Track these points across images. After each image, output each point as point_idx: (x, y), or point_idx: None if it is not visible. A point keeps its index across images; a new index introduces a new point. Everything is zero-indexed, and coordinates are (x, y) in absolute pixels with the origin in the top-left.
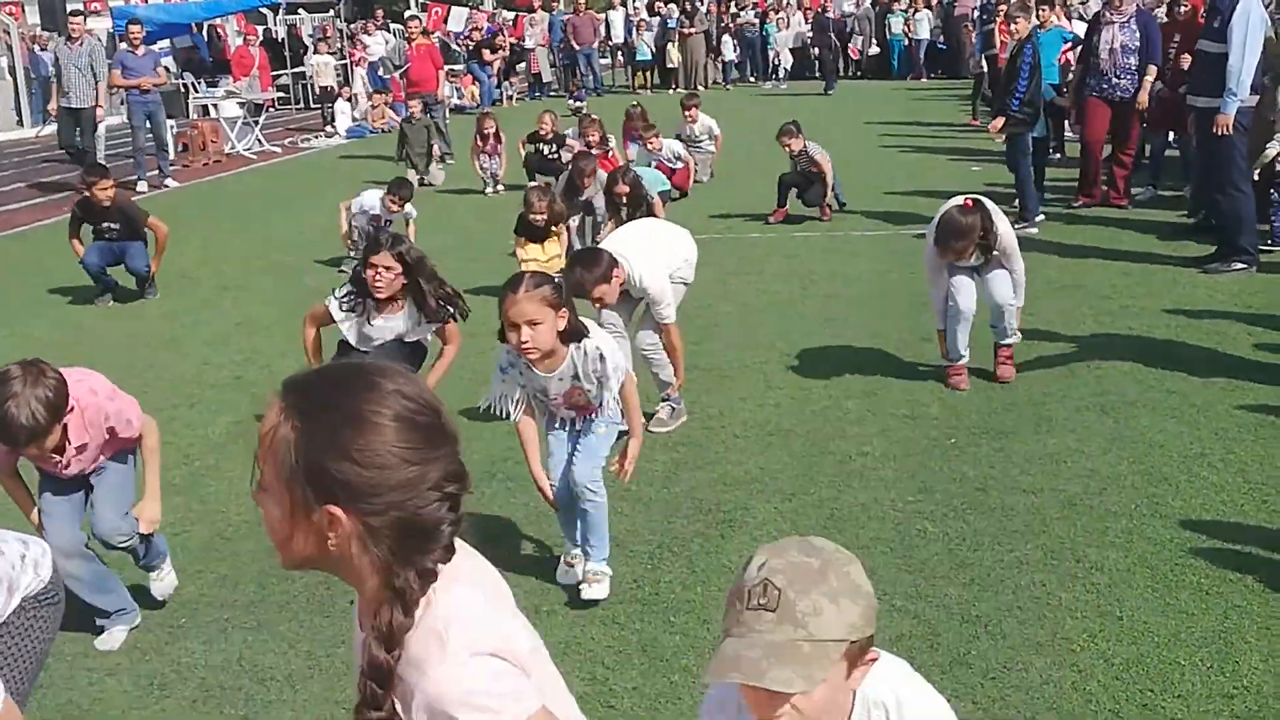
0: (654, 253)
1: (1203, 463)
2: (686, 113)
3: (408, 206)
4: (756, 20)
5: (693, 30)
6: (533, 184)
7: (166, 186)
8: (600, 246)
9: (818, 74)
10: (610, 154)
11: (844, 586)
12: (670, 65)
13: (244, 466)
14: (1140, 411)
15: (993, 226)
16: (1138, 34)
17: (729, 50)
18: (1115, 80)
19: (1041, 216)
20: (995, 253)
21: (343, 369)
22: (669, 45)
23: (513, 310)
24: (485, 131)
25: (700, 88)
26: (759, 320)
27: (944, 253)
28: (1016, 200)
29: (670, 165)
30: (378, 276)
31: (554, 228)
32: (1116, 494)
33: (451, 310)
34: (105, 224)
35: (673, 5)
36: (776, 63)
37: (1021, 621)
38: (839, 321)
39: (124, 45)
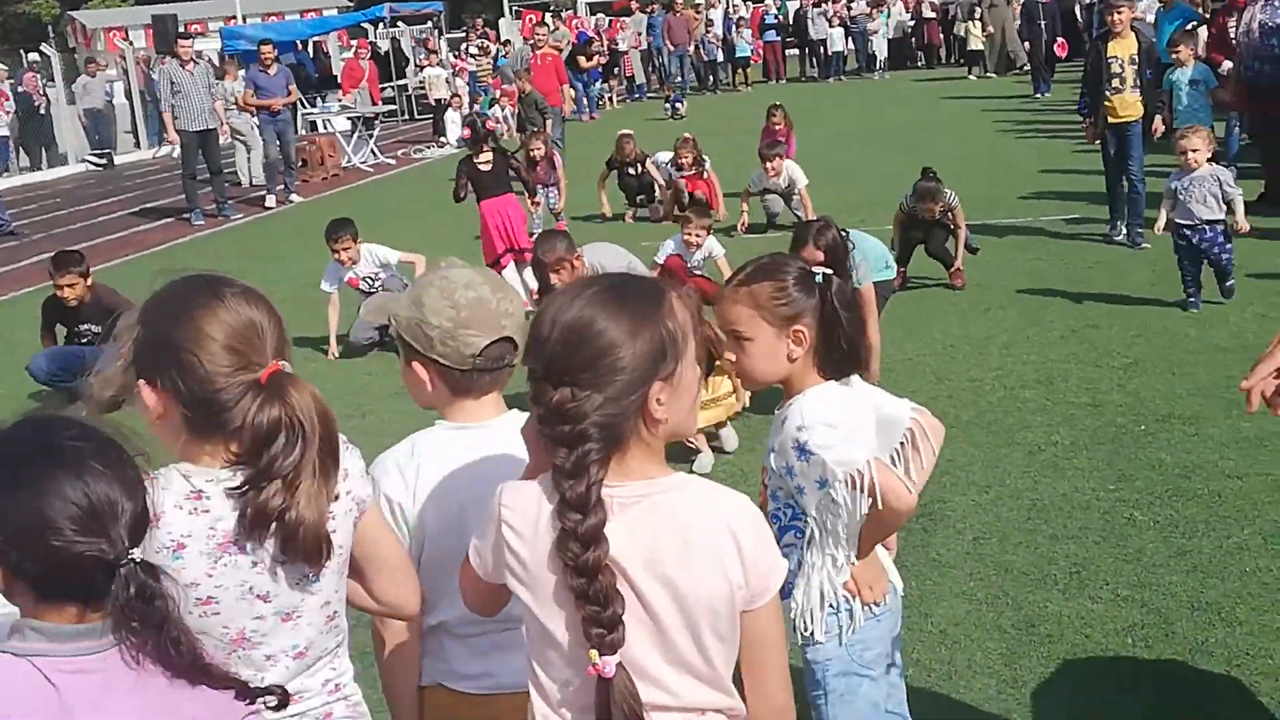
0: None
1: None
2: (768, 165)
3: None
4: (869, 10)
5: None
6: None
7: (292, 202)
8: None
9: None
10: (706, 176)
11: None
12: (975, 48)
13: None
14: None
15: None
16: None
17: (839, 42)
18: (1258, 68)
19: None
20: None
21: None
22: (969, 23)
23: None
24: (533, 154)
25: (996, 73)
26: (912, 314)
27: None
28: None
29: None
30: None
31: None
32: None
33: None
34: (82, 325)
35: None
36: (873, 53)
37: (1255, 609)
38: (997, 310)
39: (255, 65)
